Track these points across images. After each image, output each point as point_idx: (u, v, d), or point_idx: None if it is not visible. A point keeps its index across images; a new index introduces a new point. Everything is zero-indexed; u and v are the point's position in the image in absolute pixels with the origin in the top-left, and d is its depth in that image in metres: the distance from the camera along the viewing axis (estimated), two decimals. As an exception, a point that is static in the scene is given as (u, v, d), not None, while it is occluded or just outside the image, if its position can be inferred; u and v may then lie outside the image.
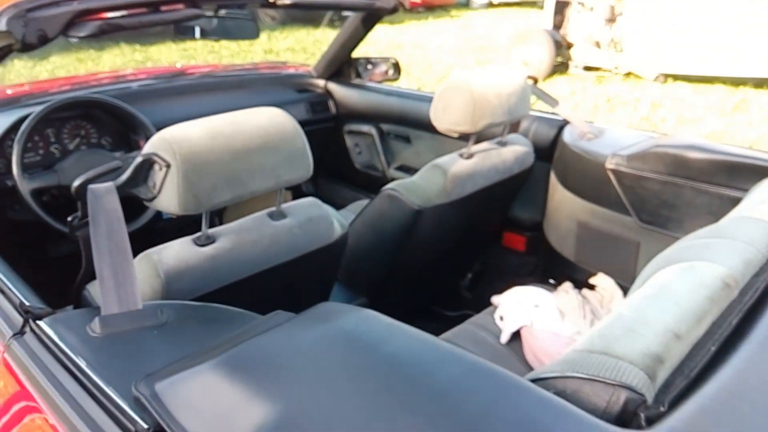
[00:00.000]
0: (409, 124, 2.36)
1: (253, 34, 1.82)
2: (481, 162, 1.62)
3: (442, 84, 1.55)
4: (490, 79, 1.55)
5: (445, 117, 1.54)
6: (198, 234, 1.13)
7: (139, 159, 1.01)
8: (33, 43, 1.24)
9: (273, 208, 1.25)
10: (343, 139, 2.61)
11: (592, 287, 1.70)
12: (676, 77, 6.66)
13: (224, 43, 8.33)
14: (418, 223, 1.56)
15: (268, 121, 1.15)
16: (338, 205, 2.78)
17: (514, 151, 1.72)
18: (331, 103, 2.59)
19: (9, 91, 2.42)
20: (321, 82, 2.61)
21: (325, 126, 2.59)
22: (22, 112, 1.80)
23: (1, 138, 1.73)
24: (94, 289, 1.24)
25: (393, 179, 2.54)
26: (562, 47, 7.20)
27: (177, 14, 1.42)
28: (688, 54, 6.27)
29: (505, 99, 1.55)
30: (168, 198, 1.02)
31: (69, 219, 1.04)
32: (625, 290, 1.56)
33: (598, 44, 7.07)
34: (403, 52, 8.34)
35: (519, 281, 1.72)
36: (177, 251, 1.09)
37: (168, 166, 1.00)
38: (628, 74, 6.94)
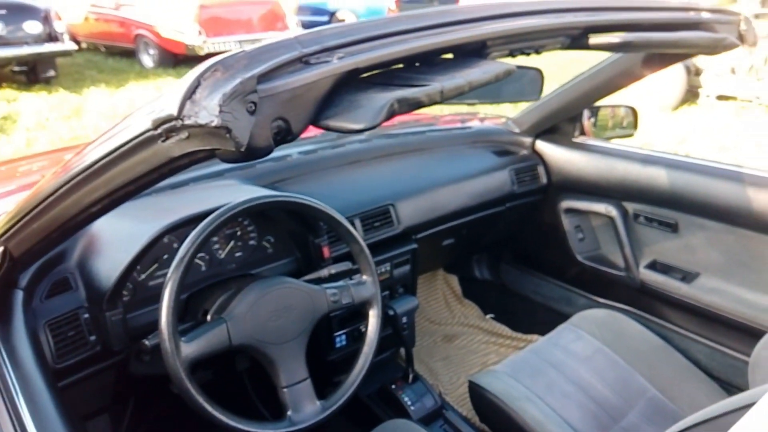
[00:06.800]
0: (678, 207, 1.62)
1: (534, 94, 1.14)
2: None
3: None
4: None
5: None
6: None
7: None
8: (262, 148, 0.56)
9: None
10: (557, 218, 1.88)
11: None
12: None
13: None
14: None
15: None
16: (531, 301, 2.09)
17: None
18: (540, 170, 1.88)
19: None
20: (526, 140, 1.91)
21: (528, 200, 1.88)
22: (160, 210, 1.16)
23: (139, 255, 1.08)
24: None
25: (643, 283, 1.72)
26: (690, 74, 6.33)
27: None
28: None
29: None
30: None
31: None
32: None
33: (733, 70, 6.17)
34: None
35: None
36: None
37: None
38: (772, 105, 6.01)
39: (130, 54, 8.40)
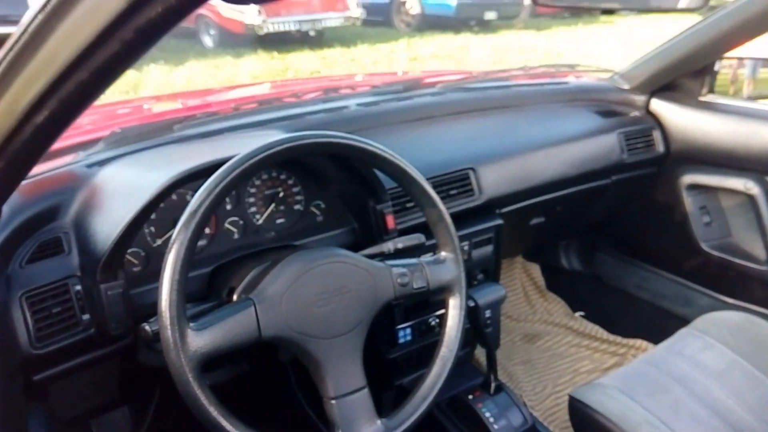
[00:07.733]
0: None
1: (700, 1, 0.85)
2: None
3: None
4: None
5: None
6: None
7: None
8: None
9: None
10: (676, 195, 1.52)
11: None
12: None
13: (364, 48, 7.51)
14: None
15: None
16: (633, 298, 1.74)
17: None
18: (657, 135, 1.52)
19: (148, 107, 1.57)
20: (638, 99, 1.55)
21: (639, 173, 1.53)
22: (180, 159, 0.89)
23: (145, 210, 0.81)
24: None
25: None
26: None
27: None
28: None
29: None
30: None
31: None
32: None
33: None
34: (567, 60, 7.08)
35: None
36: None
37: None
38: None
39: (191, 35, 8.36)
